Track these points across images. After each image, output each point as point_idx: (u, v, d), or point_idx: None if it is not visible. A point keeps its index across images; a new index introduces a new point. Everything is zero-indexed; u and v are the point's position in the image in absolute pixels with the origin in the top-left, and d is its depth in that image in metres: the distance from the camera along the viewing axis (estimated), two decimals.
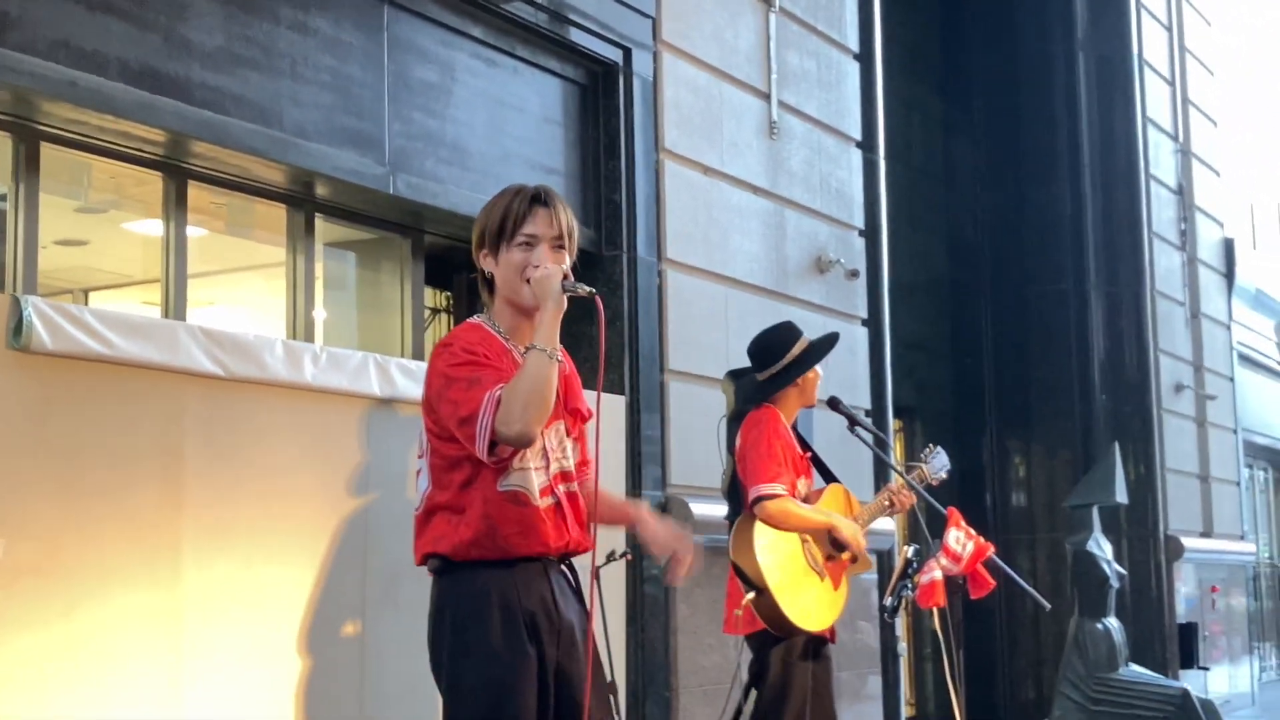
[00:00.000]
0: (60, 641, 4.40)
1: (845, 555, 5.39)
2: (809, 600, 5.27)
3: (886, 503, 5.54)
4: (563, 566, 3.70)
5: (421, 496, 3.64)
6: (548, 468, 3.63)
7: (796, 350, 5.53)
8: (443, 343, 3.65)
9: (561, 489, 3.69)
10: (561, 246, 3.61)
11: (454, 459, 3.53)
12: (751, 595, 5.22)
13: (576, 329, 7.51)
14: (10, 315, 4.34)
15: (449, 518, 3.54)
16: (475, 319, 3.72)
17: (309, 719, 5.10)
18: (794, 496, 5.34)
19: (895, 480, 5.62)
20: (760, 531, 5.25)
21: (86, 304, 7.12)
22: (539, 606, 3.56)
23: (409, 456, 5.49)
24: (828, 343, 5.65)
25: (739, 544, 5.29)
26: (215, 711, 4.80)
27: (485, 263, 3.62)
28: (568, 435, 3.73)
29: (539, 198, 3.60)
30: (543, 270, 3.50)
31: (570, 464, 3.74)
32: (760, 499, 5.25)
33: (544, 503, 3.60)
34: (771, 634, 5.28)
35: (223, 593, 4.87)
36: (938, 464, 5.81)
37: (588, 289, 3.52)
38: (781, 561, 5.25)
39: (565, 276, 3.50)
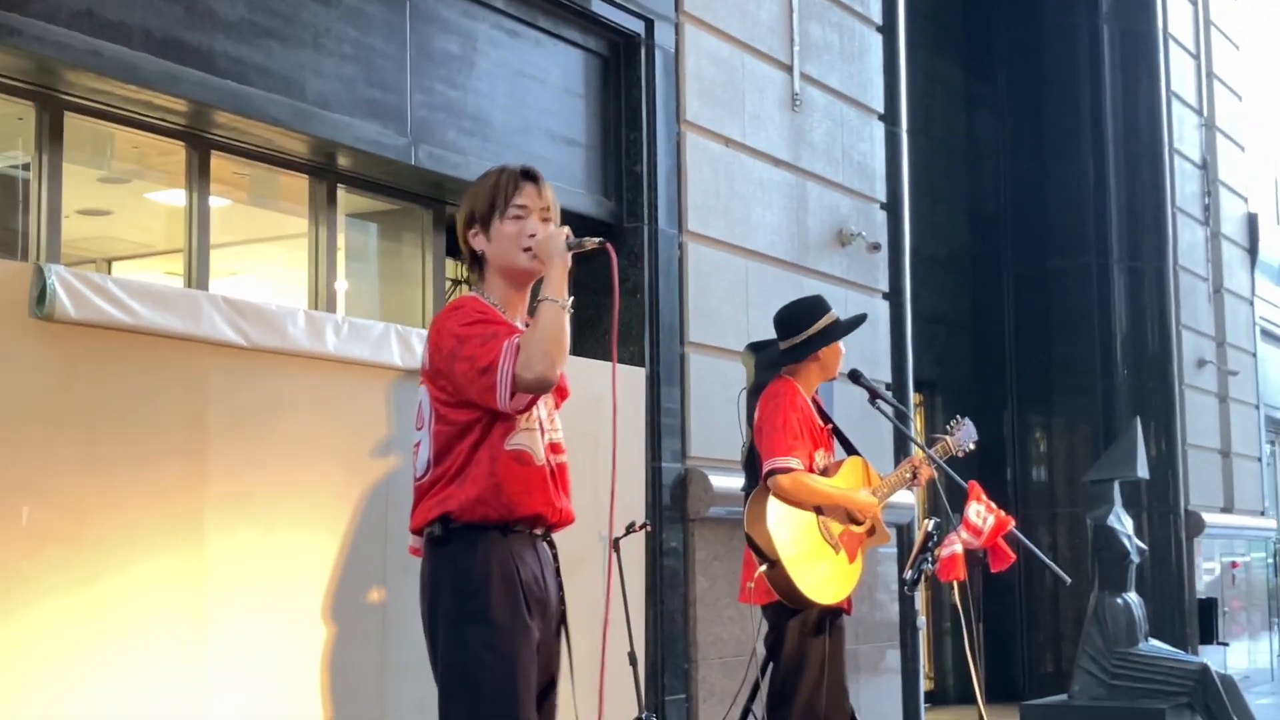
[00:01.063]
0: (83, 609, 4.42)
1: (861, 528, 5.38)
2: (823, 573, 5.26)
3: (908, 474, 5.53)
4: (545, 542, 3.75)
5: (425, 466, 3.67)
6: (543, 436, 3.71)
7: (822, 323, 5.51)
8: (449, 308, 3.71)
9: (552, 460, 3.76)
10: (548, 219, 3.74)
11: (463, 425, 3.58)
12: (764, 567, 5.23)
13: (599, 300, 7.54)
14: (34, 284, 4.35)
15: (455, 480, 3.58)
16: (469, 294, 3.79)
17: (330, 687, 5.13)
18: (812, 469, 5.33)
19: (917, 452, 5.61)
20: (774, 504, 5.25)
21: (109, 274, 7.15)
22: (531, 579, 3.62)
23: None
24: (854, 322, 5.64)
25: (753, 517, 5.29)
26: (236, 679, 4.82)
27: (475, 241, 3.72)
28: (555, 409, 3.83)
29: (527, 174, 3.74)
30: (544, 232, 3.65)
31: (559, 436, 3.82)
32: (774, 472, 5.24)
33: (547, 467, 3.70)
34: (787, 606, 5.28)
35: (244, 561, 4.89)
36: (965, 435, 5.79)
37: (595, 240, 3.68)
38: (795, 534, 5.24)
39: (567, 235, 3.63)
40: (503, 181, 3.70)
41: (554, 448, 3.77)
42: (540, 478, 3.65)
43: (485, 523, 3.56)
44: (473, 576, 3.52)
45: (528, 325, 3.67)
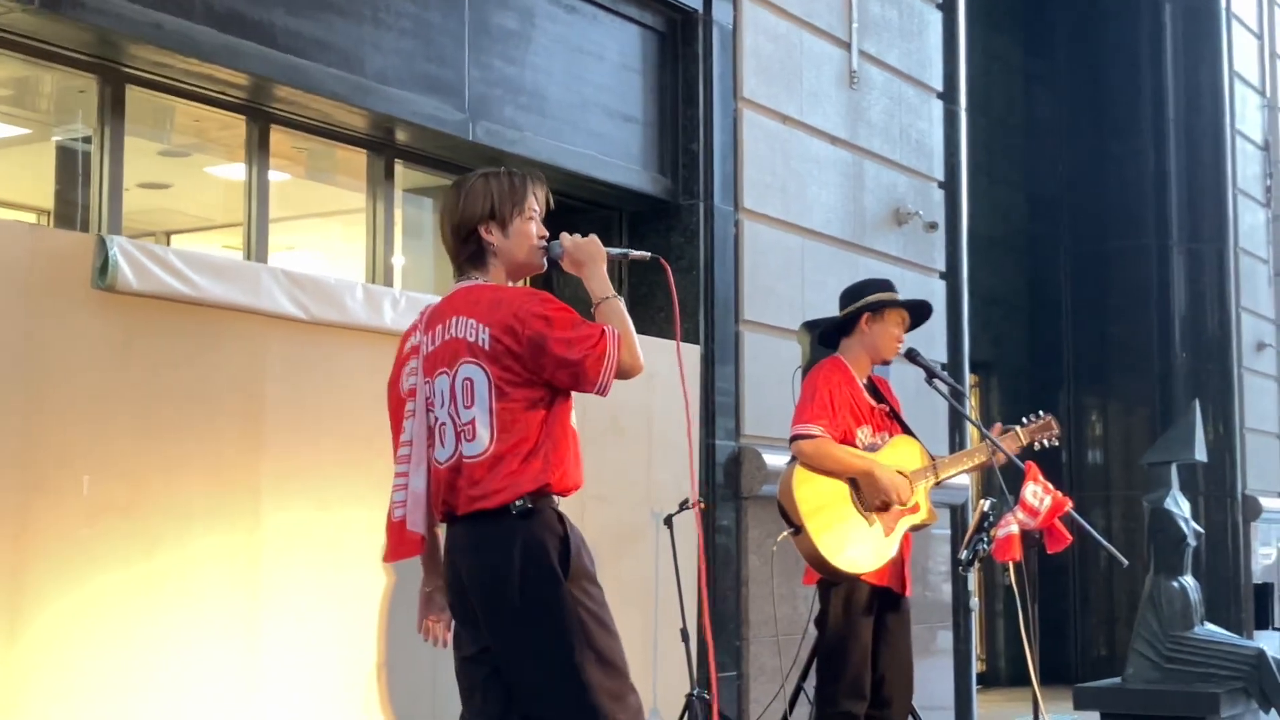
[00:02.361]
0: (141, 579, 4.47)
1: (901, 504, 5.32)
2: (851, 542, 5.19)
3: (987, 455, 5.48)
4: None
5: (487, 443, 3.70)
6: None
7: (875, 296, 5.47)
8: (516, 292, 3.82)
9: None
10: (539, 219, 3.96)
11: (532, 400, 3.69)
12: (788, 532, 5.21)
13: (652, 278, 7.53)
14: (96, 255, 4.39)
15: (536, 456, 3.69)
16: (480, 280, 3.90)
17: (383, 661, 5.16)
18: (853, 445, 5.28)
19: (974, 437, 5.57)
20: (801, 471, 5.22)
21: (169, 246, 7.20)
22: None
23: None
24: (916, 304, 5.59)
25: (782, 485, 5.26)
26: (290, 652, 4.86)
27: (489, 235, 3.86)
28: None
29: (538, 179, 3.97)
30: (570, 238, 3.86)
31: None
32: (796, 438, 5.22)
33: None
34: (830, 582, 5.25)
35: (300, 534, 4.93)
36: (1043, 428, 5.72)
37: (644, 254, 4.03)
38: (823, 502, 5.19)
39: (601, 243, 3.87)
40: (520, 184, 3.91)
41: None
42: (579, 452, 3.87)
43: (559, 494, 3.73)
44: (571, 540, 3.68)
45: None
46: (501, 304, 3.74)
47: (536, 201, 3.91)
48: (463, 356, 3.75)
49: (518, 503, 3.66)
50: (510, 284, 3.93)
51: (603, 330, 3.66)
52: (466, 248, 3.90)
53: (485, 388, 3.71)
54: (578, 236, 3.89)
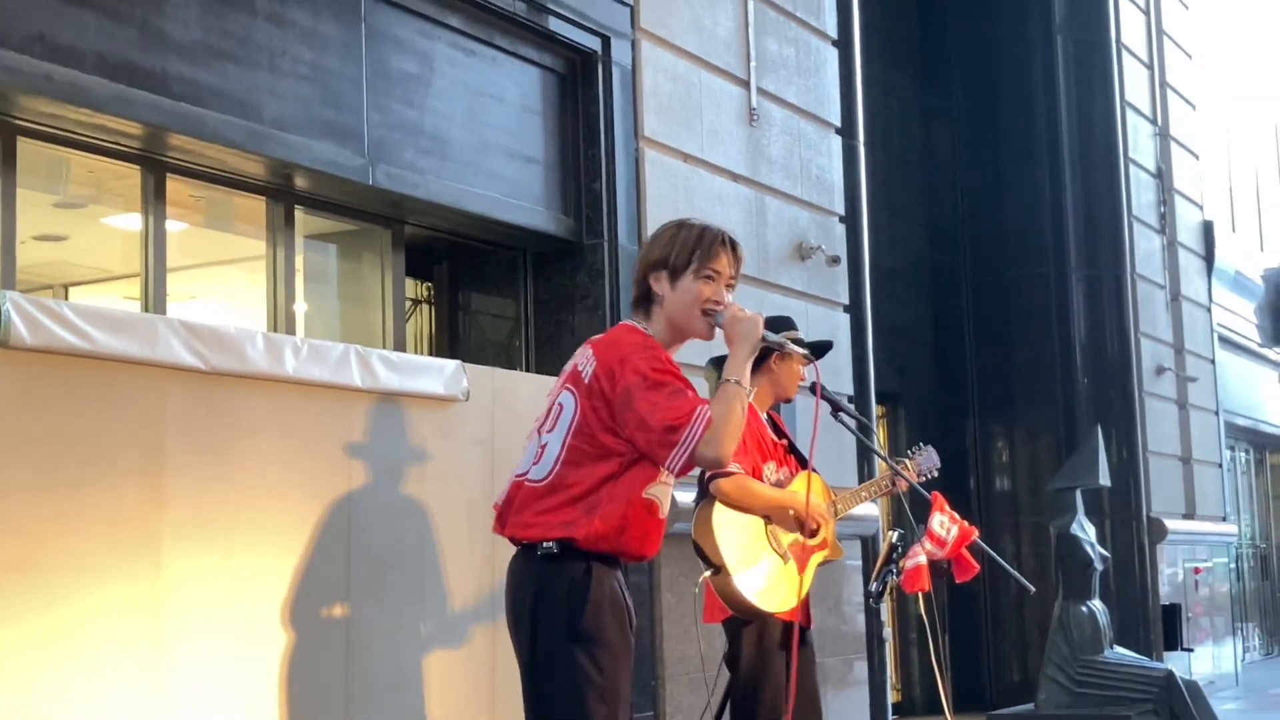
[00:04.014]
0: (41, 636, 4.38)
1: (814, 541, 5.35)
2: (768, 581, 5.20)
3: (887, 483, 5.52)
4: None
5: (550, 470, 3.71)
6: (670, 484, 3.81)
7: (784, 337, 5.48)
8: (637, 340, 3.75)
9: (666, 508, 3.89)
10: (732, 288, 3.87)
11: (607, 449, 3.65)
12: (709, 573, 5.20)
13: (558, 317, 7.53)
14: None
15: (581, 504, 3.65)
16: (637, 324, 3.85)
17: (293, 710, 5.09)
18: (760, 480, 5.30)
19: (882, 469, 5.61)
20: (720, 510, 5.22)
21: (66, 299, 7.09)
22: (626, 604, 3.74)
23: (392, 447, 5.49)
24: (817, 346, 5.61)
25: (699, 524, 5.25)
26: (198, 703, 4.79)
27: (657, 284, 3.80)
28: None
29: (728, 240, 3.86)
30: (738, 313, 3.76)
31: None
32: (715, 477, 5.22)
33: (665, 518, 3.80)
34: (741, 620, 5.26)
35: (204, 585, 4.85)
36: (926, 461, 5.78)
37: (802, 351, 4.03)
38: (741, 541, 5.21)
39: (763, 326, 3.78)
40: (708, 240, 3.82)
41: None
42: (659, 528, 3.76)
43: (597, 554, 3.65)
44: (588, 598, 3.61)
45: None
46: (616, 346, 3.73)
47: (721, 263, 3.80)
48: (567, 383, 3.76)
49: (545, 544, 3.65)
50: (675, 344, 3.84)
51: (695, 410, 3.55)
52: (638, 290, 3.86)
53: (570, 418, 3.71)
54: (745, 312, 3.79)
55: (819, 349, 5.63)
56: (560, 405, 3.75)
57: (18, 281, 5.26)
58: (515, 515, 3.74)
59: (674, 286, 3.78)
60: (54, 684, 4.41)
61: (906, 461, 5.74)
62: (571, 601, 3.61)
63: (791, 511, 5.22)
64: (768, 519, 5.28)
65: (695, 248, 3.79)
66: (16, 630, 4.32)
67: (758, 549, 5.23)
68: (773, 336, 3.80)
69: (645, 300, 3.84)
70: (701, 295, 3.76)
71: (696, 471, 5.68)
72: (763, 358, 5.46)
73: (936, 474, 5.80)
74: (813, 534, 5.29)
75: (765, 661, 5.25)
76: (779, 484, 5.36)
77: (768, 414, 5.54)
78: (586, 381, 3.69)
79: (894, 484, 5.54)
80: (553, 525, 3.65)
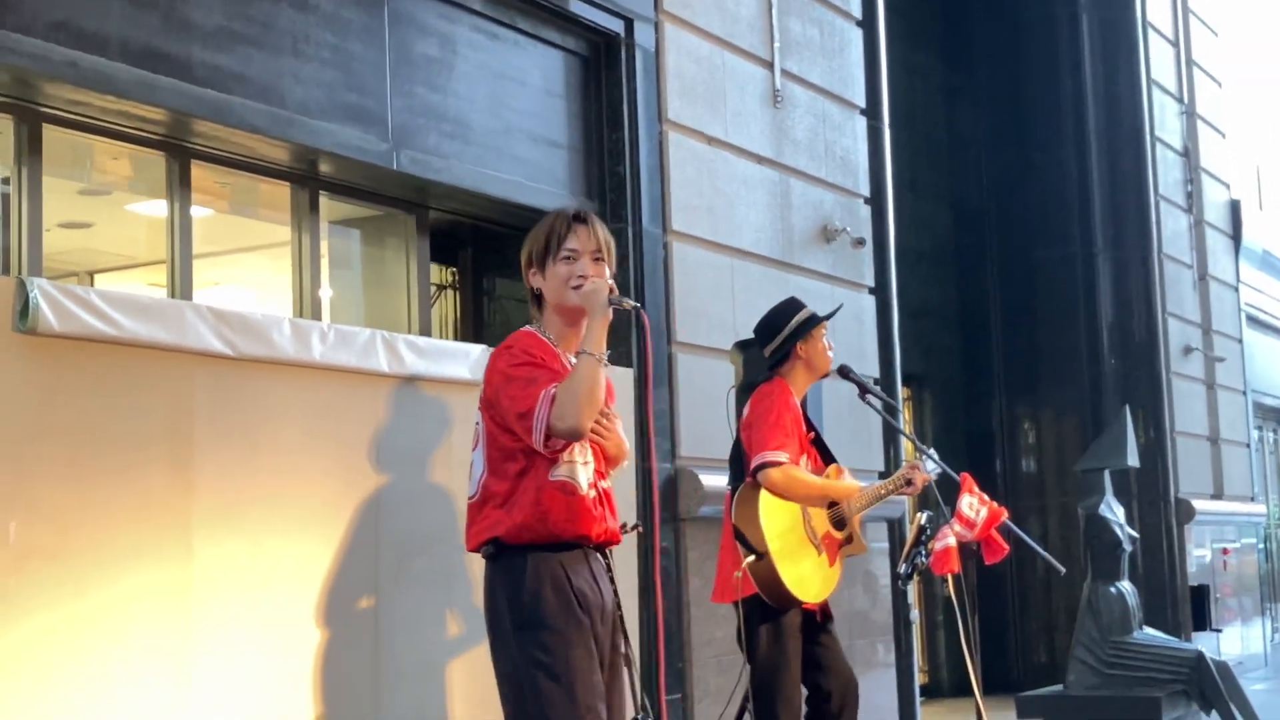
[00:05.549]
0: (70, 622, 4.39)
1: (841, 533, 5.40)
2: (805, 571, 5.25)
3: (904, 481, 5.47)
4: (599, 555, 4.02)
5: (477, 484, 3.95)
6: (590, 464, 3.98)
7: (797, 320, 5.51)
8: (503, 346, 4.01)
9: (600, 485, 4.04)
10: (600, 259, 4.00)
11: (510, 450, 3.87)
12: (751, 559, 5.21)
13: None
14: (16, 298, 4.31)
15: (503, 505, 3.86)
16: (528, 328, 4.09)
17: (322, 697, 5.10)
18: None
19: (909, 456, 5.59)
20: (765, 497, 5.24)
21: (92, 286, 7.11)
22: (586, 586, 3.88)
23: (418, 432, 5.49)
24: (830, 314, 5.63)
25: (743, 509, 5.27)
26: (225, 691, 4.79)
27: (534, 280, 4.03)
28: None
29: (578, 216, 4.03)
30: (591, 284, 3.93)
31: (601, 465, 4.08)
32: (765, 465, 5.22)
33: (590, 494, 3.94)
34: (759, 607, 5.26)
35: (233, 572, 4.86)
36: (926, 468, 5.74)
37: (632, 302, 3.97)
38: (783, 529, 5.24)
39: (611, 290, 3.90)
40: (556, 225, 4.00)
41: (600, 474, 4.03)
42: (583, 506, 3.90)
43: (534, 544, 3.83)
44: (525, 587, 3.79)
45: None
46: (493, 357, 3.97)
47: (576, 240, 3.96)
48: (479, 405, 4.00)
49: (484, 548, 3.87)
50: (572, 327, 3.99)
51: (540, 394, 3.76)
52: (529, 293, 4.07)
53: (483, 434, 3.95)
54: (598, 283, 3.93)
55: (829, 315, 5.63)
56: (477, 424, 3.99)
57: (44, 269, 5.26)
58: (467, 531, 3.98)
59: (545, 276, 3.98)
60: (83, 670, 4.43)
61: (923, 459, 5.69)
62: (510, 593, 3.80)
63: (834, 504, 5.28)
64: (803, 511, 5.30)
65: (548, 235, 3.99)
66: (46, 616, 4.34)
67: (798, 538, 5.27)
68: (613, 297, 3.90)
69: (536, 300, 4.06)
70: (565, 276, 3.94)
71: (727, 454, 5.70)
72: (791, 348, 5.46)
73: (934, 479, 5.69)
74: (841, 528, 5.33)
75: (783, 650, 5.26)
76: None
77: (801, 401, 5.53)
78: (481, 399, 3.96)
79: (908, 485, 5.43)
80: (484, 530, 3.88)
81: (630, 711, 3.98)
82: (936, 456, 5.56)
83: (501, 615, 3.83)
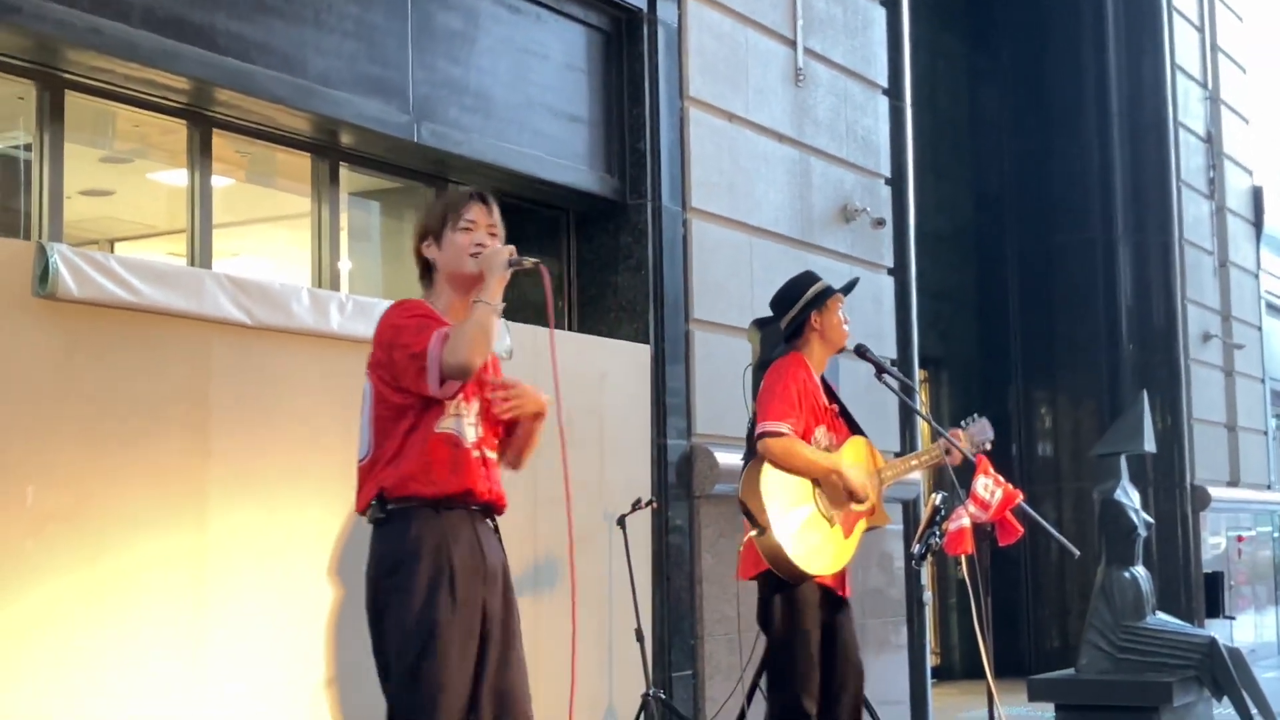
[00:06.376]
0: (85, 586, 4.42)
1: (860, 506, 5.32)
2: (814, 544, 5.19)
3: (944, 450, 5.46)
4: (488, 520, 4.01)
5: (367, 447, 3.96)
6: (478, 427, 3.98)
7: (812, 292, 5.48)
8: (393, 304, 4.04)
9: (485, 451, 4.01)
10: (495, 235, 4.06)
11: (399, 407, 3.87)
12: (754, 533, 5.19)
13: (602, 278, 7.53)
14: (36, 262, 4.34)
15: (391, 462, 3.87)
16: (416, 299, 4.10)
17: (333, 664, 5.12)
18: (810, 444, 5.27)
19: (941, 441, 5.54)
20: (769, 471, 5.20)
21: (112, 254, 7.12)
22: (468, 550, 3.85)
23: None
24: (847, 287, 5.59)
25: (747, 483, 5.24)
26: (238, 656, 4.82)
27: (429, 252, 4.06)
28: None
29: (475, 195, 4.10)
30: (491, 247, 3.99)
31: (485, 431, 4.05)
32: (765, 435, 5.19)
33: (475, 453, 3.94)
34: (774, 581, 5.23)
35: (246, 539, 4.89)
36: (981, 434, 5.72)
37: (532, 260, 4.00)
38: (788, 502, 5.19)
39: (511, 254, 3.94)
40: (455, 199, 4.09)
41: (485, 442, 4.00)
42: (468, 459, 3.90)
43: (418, 498, 3.83)
44: (402, 554, 3.80)
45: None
46: (382, 316, 3.98)
47: (474, 213, 4.03)
48: (366, 372, 3.99)
49: (371, 509, 3.88)
50: (462, 298, 4.01)
51: (432, 335, 3.80)
52: (419, 266, 4.10)
53: (369, 398, 3.95)
54: (498, 247, 3.99)
55: (845, 288, 5.60)
56: (364, 392, 3.99)
57: (64, 236, 5.27)
58: (357, 495, 3.97)
59: (441, 246, 4.03)
60: (97, 634, 4.46)
61: (960, 431, 5.68)
62: (384, 561, 3.82)
63: (835, 478, 5.22)
64: (815, 483, 5.27)
65: (446, 207, 4.07)
66: (62, 581, 4.37)
67: (804, 511, 5.22)
68: (513, 259, 3.94)
69: (426, 272, 4.09)
70: (464, 244, 3.99)
71: (744, 431, 5.69)
72: (805, 318, 5.44)
73: (989, 446, 5.74)
74: (858, 500, 5.28)
75: (798, 625, 5.22)
76: (827, 449, 5.34)
77: (822, 377, 5.50)
78: (371, 359, 3.96)
79: (947, 454, 5.46)
80: (372, 488, 3.88)
81: (521, 676, 3.94)
82: (964, 439, 5.53)
83: (374, 583, 3.83)
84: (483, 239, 4.01)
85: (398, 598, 3.76)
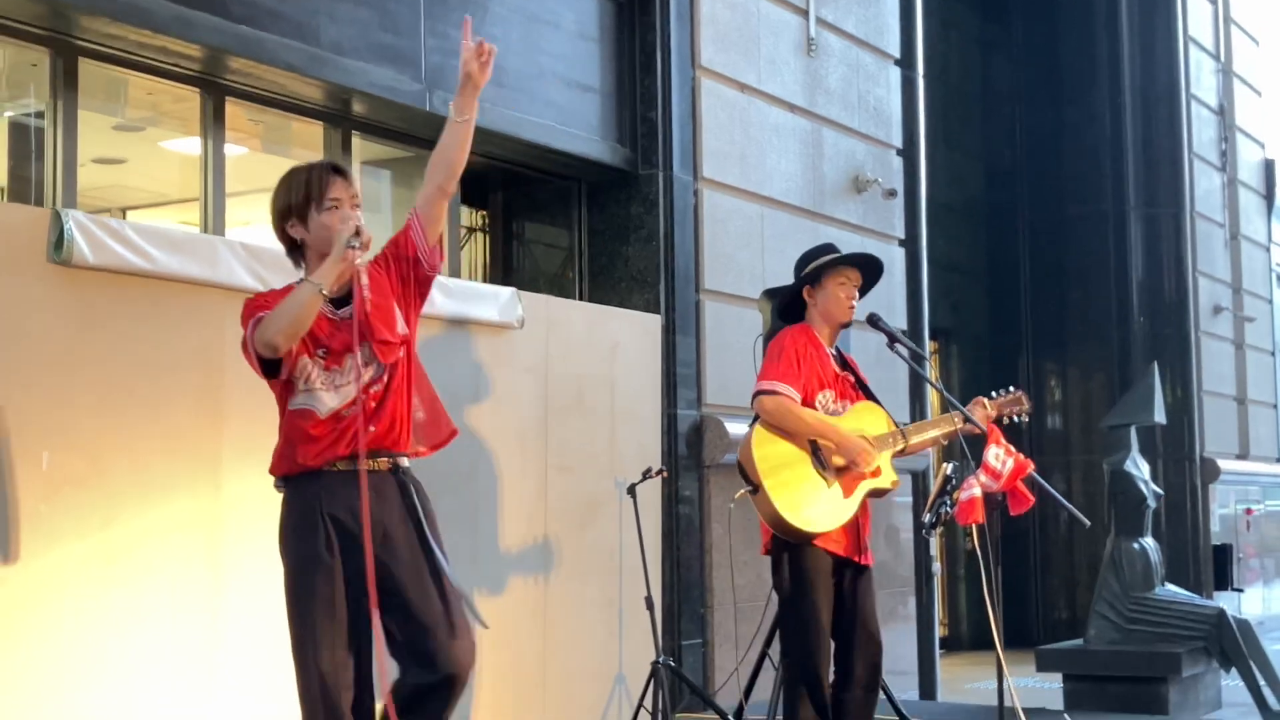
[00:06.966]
0: (100, 551, 4.45)
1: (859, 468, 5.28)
2: (809, 502, 5.14)
3: (960, 424, 5.42)
4: (391, 473, 3.96)
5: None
6: (351, 384, 3.93)
7: (813, 266, 5.43)
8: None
9: (361, 399, 3.94)
10: (358, 206, 4.06)
11: (278, 393, 3.96)
12: (746, 490, 5.18)
13: (611, 247, 7.53)
14: (51, 229, 4.35)
15: (279, 439, 3.97)
16: (268, 290, 4.10)
17: None
18: (812, 408, 5.24)
19: (969, 408, 5.51)
20: (761, 433, 5.18)
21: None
22: (344, 512, 3.85)
23: (447, 372, 5.51)
24: (859, 258, 5.53)
25: (743, 444, 5.23)
26: (251, 620, 4.85)
27: (295, 231, 4.02)
28: (376, 359, 3.99)
29: (335, 168, 4.07)
30: (356, 219, 3.96)
31: (374, 374, 3.98)
32: (759, 393, 5.18)
33: (346, 412, 3.90)
34: (782, 544, 5.21)
35: (261, 503, 4.87)
36: (1011, 404, 5.69)
37: (356, 240, 3.90)
38: (782, 462, 5.15)
39: (357, 233, 3.89)
40: (314, 178, 4.00)
41: (366, 388, 3.94)
42: (325, 429, 3.88)
43: (287, 476, 3.92)
44: (287, 517, 3.91)
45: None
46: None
47: (336, 190, 3.98)
48: None
49: (275, 482, 3.97)
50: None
51: (253, 316, 3.85)
52: (283, 244, 4.06)
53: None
54: (350, 223, 3.92)
55: (866, 265, 5.55)
56: None
57: (78, 204, 5.29)
58: None
59: (308, 228, 3.98)
60: (112, 597, 4.48)
61: (984, 400, 5.64)
62: (281, 526, 3.92)
63: (828, 442, 5.19)
64: (814, 443, 5.24)
65: (307, 186, 3.98)
66: (77, 545, 4.39)
67: (800, 471, 5.18)
68: (345, 238, 3.88)
69: (293, 249, 4.05)
70: (332, 224, 3.94)
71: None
72: (801, 298, 5.41)
73: (1027, 417, 5.71)
74: (856, 465, 5.24)
75: (805, 589, 5.19)
76: (834, 414, 5.32)
77: (837, 350, 5.47)
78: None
79: (967, 424, 5.43)
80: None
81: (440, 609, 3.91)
82: (990, 409, 5.51)
83: (280, 543, 3.94)
84: (349, 215, 3.96)
85: (284, 559, 3.88)
